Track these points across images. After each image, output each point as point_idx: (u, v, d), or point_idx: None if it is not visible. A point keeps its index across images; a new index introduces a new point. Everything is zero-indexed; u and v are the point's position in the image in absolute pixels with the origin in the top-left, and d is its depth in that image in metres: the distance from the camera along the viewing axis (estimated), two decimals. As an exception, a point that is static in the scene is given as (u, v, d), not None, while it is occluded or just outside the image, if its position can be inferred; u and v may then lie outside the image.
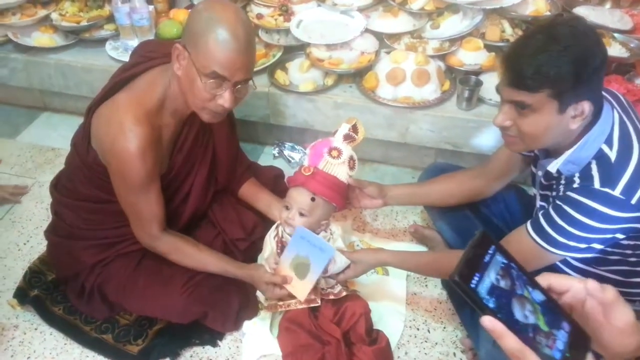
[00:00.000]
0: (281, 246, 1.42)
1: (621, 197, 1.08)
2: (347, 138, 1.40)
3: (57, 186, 1.57)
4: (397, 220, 1.90)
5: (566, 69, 1.04)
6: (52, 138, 2.24)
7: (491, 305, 0.54)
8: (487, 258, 0.58)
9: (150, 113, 1.30)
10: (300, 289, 1.35)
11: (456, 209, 1.59)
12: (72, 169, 1.49)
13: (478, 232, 0.60)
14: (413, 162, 2.09)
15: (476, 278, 0.55)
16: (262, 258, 1.49)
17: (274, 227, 1.48)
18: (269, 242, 1.45)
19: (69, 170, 1.52)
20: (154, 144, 1.31)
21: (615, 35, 2.04)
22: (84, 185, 1.46)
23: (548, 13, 2.09)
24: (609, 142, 1.13)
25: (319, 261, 1.31)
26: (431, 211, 1.72)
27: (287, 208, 1.39)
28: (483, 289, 0.54)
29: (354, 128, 1.41)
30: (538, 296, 0.58)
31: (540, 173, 1.31)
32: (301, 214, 1.36)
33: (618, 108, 1.19)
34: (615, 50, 1.96)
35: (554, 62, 1.04)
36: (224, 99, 1.25)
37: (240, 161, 1.69)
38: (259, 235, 1.60)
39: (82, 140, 1.41)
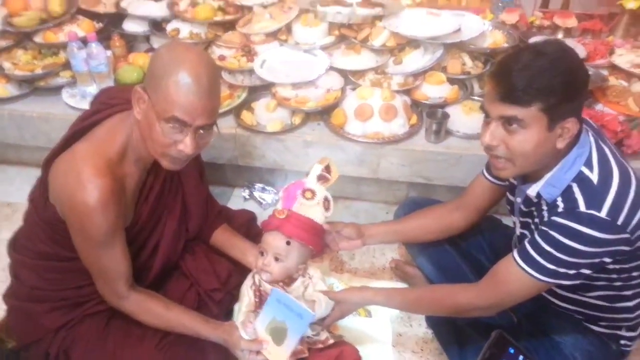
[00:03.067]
0: (259, 295, 1.36)
1: (608, 218, 1.08)
2: (321, 179, 1.38)
3: (15, 245, 1.46)
4: (375, 257, 1.86)
5: (556, 81, 1.06)
6: (9, 192, 2.13)
7: None
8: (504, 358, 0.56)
9: (111, 163, 1.23)
10: (278, 355, 1.27)
11: (436, 244, 1.57)
12: (31, 226, 1.39)
13: (495, 333, 0.58)
14: (386, 197, 2.07)
15: None
16: (238, 309, 1.42)
17: (250, 275, 1.42)
18: (246, 292, 1.38)
19: (28, 227, 1.42)
20: (116, 196, 1.22)
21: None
22: (44, 243, 1.36)
23: (505, 45, 2.16)
24: (588, 164, 1.14)
25: (296, 327, 1.24)
26: (411, 247, 1.70)
27: (262, 254, 1.34)
28: None
29: (327, 168, 1.39)
30: None
31: (519, 200, 1.31)
32: (277, 259, 1.32)
33: (592, 131, 1.21)
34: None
35: (545, 74, 1.06)
36: (185, 144, 1.19)
37: (210, 207, 1.62)
38: (234, 284, 1.52)
39: (40, 195, 1.32)
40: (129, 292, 1.34)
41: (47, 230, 1.33)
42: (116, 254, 1.29)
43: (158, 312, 1.36)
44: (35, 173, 1.39)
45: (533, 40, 2.23)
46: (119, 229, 1.27)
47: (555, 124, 1.09)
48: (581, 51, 2.19)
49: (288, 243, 1.31)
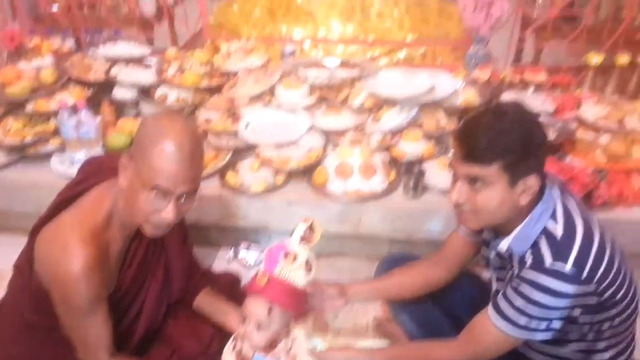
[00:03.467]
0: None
1: (573, 271, 1.13)
2: (304, 239, 1.36)
3: (0, 313, 1.47)
4: (358, 316, 1.88)
5: (517, 141, 1.12)
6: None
7: None
8: None
9: (96, 231, 1.27)
10: None
11: (417, 301, 1.59)
12: (15, 294, 1.42)
13: None
14: (368, 253, 2.11)
15: None
16: None
17: (232, 338, 1.41)
18: (227, 357, 1.38)
19: (12, 295, 1.44)
20: (99, 264, 1.25)
21: (541, 118, 2.21)
22: (28, 312, 1.37)
23: (478, 101, 2.26)
24: (553, 218, 1.20)
25: None
26: (392, 305, 1.71)
27: (243, 320, 1.33)
28: None
29: (311, 227, 1.38)
30: None
31: (492, 254, 1.35)
32: (259, 327, 1.29)
33: (557, 186, 1.27)
34: (543, 131, 2.12)
35: (504, 135, 1.13)
36: (167, 212, 1.23)
37: (194, 270, 1.64)
38: (216, 348, 1.51)
39: (25, 263, 1.35)
40: (110, 358, 1.34)
41: (31, 299, 1.35)
42: (98, 323, 1.30)
43: None
44: (22, 240, 1.42)
45: (504, 96, 2.36)
46: (102, 298, 1.29)
47: (517, 181, 1.15)
48: (550, 105, 2.30)
49: (270, 311, 1.29)
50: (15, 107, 2.28)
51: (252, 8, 3.37)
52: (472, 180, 1.17)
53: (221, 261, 2.09)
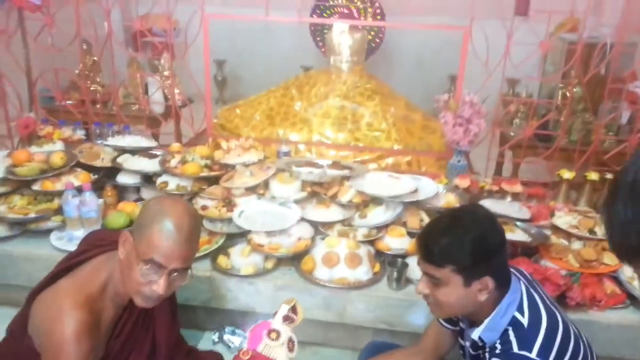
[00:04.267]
0: None
1: (537, 359, 1.20)
2: (287, 319, 1.41)
3: None
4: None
5: (466, 249, 1.24)
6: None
7: None
8: None
9: (90, 298, 1.34)
10: None
11: None
12: (5, 357, 1.44)
13: None
14: (352, 343, 2.13)
15: None
16: None
17: None
18: None
19: (3, 358, 1.46)
20: (91, 330, 1.31)
21: (517, 223, 2.36)
22: None
23: (458, 204, 2.42)
24: (520, 309, 1.30)
25: None
26: None
27: None
28: None
29: (293, 309, 1.43)
30: None
31: (467, 344, 1.43)
32: None
33: (524, 280, 1.38)
34: (519, 235, 2.25)
35: (455, 243, 1.25)
36: (158, 285, 1.30)
37: (179, 348, 1.68)
38: None
39: (19, 326, 1.40)
40: None
41: None
42: None
43: None
44: (9, 312, 1.47)
45: (483, 202, 2.52)
46: None
47: (471, 282, 1.27)
48: (525, 213, 2.46)
49: None
50: (22, 185, 2.41)
51: (253, 113, 3.67)
52: (432, 277, 1.30)
53: (207, 342, 2.10)
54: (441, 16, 4.48)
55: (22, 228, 2.26)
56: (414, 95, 4.18)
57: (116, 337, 1.44)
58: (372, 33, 4.83)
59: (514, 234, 2.22)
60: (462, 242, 1.24)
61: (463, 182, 2.69)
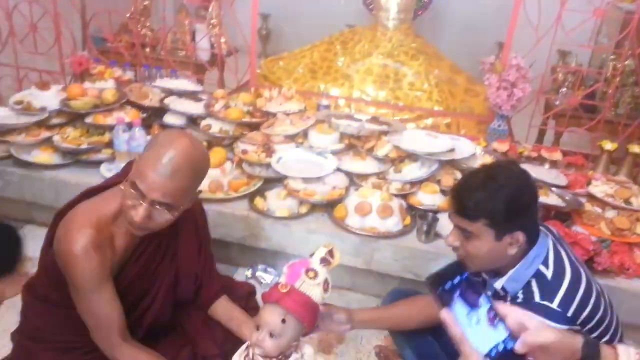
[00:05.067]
0: None
1: (558, 309, 1.25)
2: (324, 261, 1.42)
3: (29, 289, 1.60)
4: (362, 344, 1.97)
5: (499, 205, 1.27)
6: (32, 249, 2.30)
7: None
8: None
9: (102, 218, 1.36)
10: None
11: (420, 335, 1.68)
12: (39, 271, 1.55)
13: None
14: (378, 291, 2.21)
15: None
16: None
17: (243, 347, 1.47)
18: None
19: (37, 273, 1.57)
20: (100, 247, 1.34)
21: (553, 188, 2.36)
22: (48, 289, 1.49)
23: (494, 166, 2.43)
24: (545, 263, 1.34)
25: None
26: (396, 337, 1.80)
27: (257, 328, 1.38)
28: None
29: (331, 253, 1.44)
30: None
31: (489, 293, 1.47)
32: (272, 335, 1.36)
33: (552, 236, 1.41)
34: (553, 200, 2.26)
35: (489, 198, 1.28)
36: (136, 212, 1.29)
37: (213, 280, 1.72)
38: (229, 349, 1.56)
39: (47, 242, 1.47)
40: (122, 343, 1.41)
41: (49, 277, 1.46)
42: (105, 302, 1.38)
43: None
44: None
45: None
46: (105, 278, 1.37)
47: (502, 236, 1.30)
48: (562, 180, 2.45)
49: (284, 321, 1.34)
50: (76, 118, 2.54)
51: (296, 66, 3.69)
52: (463, 231, 1.33)
53: (239, 277, 2.22)
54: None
55: (75, 158, 2.40)
56: (460, 59, 4.09)
57: (132, 263, 1.47)
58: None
59: (548, 198, 2.23)
60: (497, 197, 1.26)
61: (502, 146, 2.68)
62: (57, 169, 2.38)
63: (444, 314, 0.76)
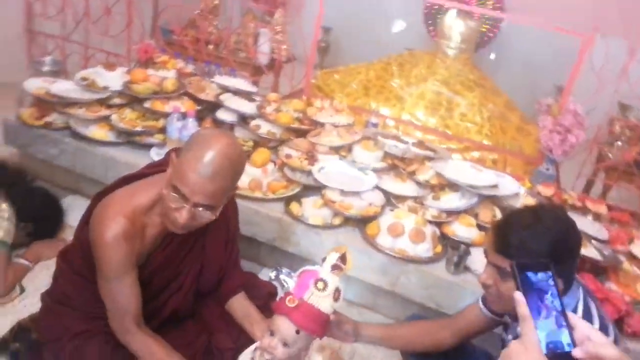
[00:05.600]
0: None
1: None
2: (335, 268, 1.38)
3: (64, 256, 1.66)
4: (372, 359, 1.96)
5: (546, 247, 1.22)
6: (73, 218, 2.40)
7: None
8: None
9: (137, 209, 1.40)
10: None
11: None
12: (74, 242, 1.61)
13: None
14: (398, 314, 2.20)
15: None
16: None
17: (252, 347, 1.48)
18: None
19: (74, 244, 1.62)
20: (131, 238, 1.38)
21: (593, 241, 2.30)
22: (81, 261, 1.54)
23: (535, 209, 2.39)
24: (573, 313, 1.30)
25: None
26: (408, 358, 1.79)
27: (271, 333, 1.37)
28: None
29: (343, 258, 1.40)
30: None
31: (510, 337, 1.44)
32: (284, 344, 1.35)
33: (581, 287, 1.38)
34: (590, 252, 2.20)
35: (536, 239, 1.23)
36: (180, 214, 1.32)
37: (235, 275, 1.74)
38: (244, 342, 1.60)
39: (84, 219, 1.53)
40: (135, 329, 1.44)
41: (82, 250, 1.50)
42: (125, 290, 1.41)
43: (159, 356, 1.45)
44: None
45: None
46: (129, 268, 1.41)
47: None
48: (604, 234, 2.38)
49: (298, 332, 1.34)
50: (135, 101, 2.65)
51: (351, 81, 3.75)
52: (500, 269, 1.29)
53: (263, 277, 2.25)
54: (563, 22, 4.28)
55: (128, 138, 2.51)
56: (516, 96, 4.06)
57: (160, 251, 1.50)
58: (487, 26, 4.71)
59: (586, 250, 2.17)
60: (542, 238, 1.22)
61: (547, 190, 2.63)
62: (110, 146, 2.49)
63: (518, 295, 0.81)
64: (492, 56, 5.04)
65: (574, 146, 2.81)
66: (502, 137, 3.41)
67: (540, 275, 0.83)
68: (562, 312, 0.79)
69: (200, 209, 1.33)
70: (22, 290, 1.99)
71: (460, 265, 2.07)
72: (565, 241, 1.25)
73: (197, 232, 1.54)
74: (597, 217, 2.64)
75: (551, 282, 0.82)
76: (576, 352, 0.76)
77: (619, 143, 3.34)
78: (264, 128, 2.59)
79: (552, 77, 4.63)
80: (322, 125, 2.67)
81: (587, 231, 2.32)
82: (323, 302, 1.35)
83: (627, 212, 2.72)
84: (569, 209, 2.62)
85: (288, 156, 2.47)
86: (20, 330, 1.71)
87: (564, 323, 0.78)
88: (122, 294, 1.42)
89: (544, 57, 4.86)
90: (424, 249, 2.12)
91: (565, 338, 0.77)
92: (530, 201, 2.43)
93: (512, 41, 5.11)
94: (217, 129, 1.35)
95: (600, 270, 2.19)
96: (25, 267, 2.08)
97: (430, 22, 4.76)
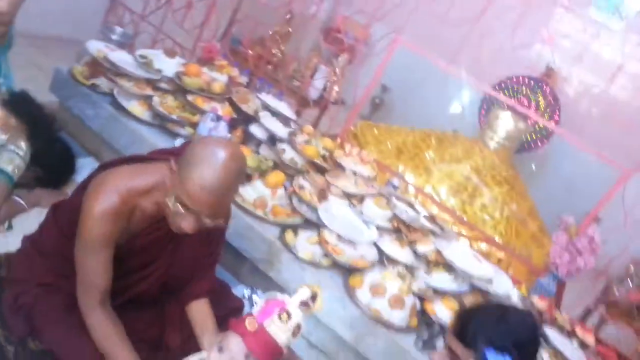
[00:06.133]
0: None
1: None
2: (304, 304, 1.38)
3: (55, 209, 1.67)
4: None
5: (506, 346, 1.22)
6: (82, 177, 2.44)
7: None
8: None
9: (132, 190, 1.41)
10: None
11: None
12: (68, 201, 1.64)
13: None
14: (353, 373, 2.16)
15: None
16: None
17: (196, 357, 1.49)
18: None
19: (67, 203, 1.65)
20: (118, 216, 1.40)
21: (569, 366, 2.23)
22: (66, 219, 1.56)
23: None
24: None
25: None
26: None
27: (219, 350, 1.38)
28: None
29: (314, 297, 1.39)
30: None
31: None
32: None
33: None
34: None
35: (498, 336, 1.24)
36: (188, 223, 1.35)
37: (204, 281, 1.71)
38: (192, 346, 1.60)
39: (82, 185, 1.57)
40: (97, 306, 1.45)
41: (71, 211, 1.52)
42: (98, 265, 1.43)
43: (111, 338, 1.45)
44: None
45: (546, 330, 2.39)
46: (108, 246, 1.42)
47: None
48: (583, 364, 2.31)
49: (247, 356, 1.34)
50: (180, 91, 2.77)
51: (387, 139, 3.81)
52: (453, 354, 1.30)
53: (237, 292, 2.26)
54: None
55: (161, 122, 2.61)
56: (542, 209, 4.03)
57: (142, 237, 1.52)
58: (538, 135, 4.73)
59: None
60: (503, 337, 1.23)
61: (541, 304, 2.58)
62: (142, 124, 2.59)
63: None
64: (533, 167, 5.04)
65: (580, 270, 2.76)
66: (515, 240, 3.38)
67: (504, 357, 0.84)
68: None
69: (207, 220, 1.36)
70: (10, 226, 2.04)
71: (428, 344, 2.04)
72: (522, 347, 1.25)
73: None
74: (584, 346, 2.56)
75: None
76: None
77: (629, 282, 3.26)
78: (288, 154, 2.65)
79: (583, 204, 4.57)
80: (343, 169, 2.71)
81: (568, 355, 2.25)
82: (281, 334, 1.34)
83: (615, 352, 2.63)
84: (551, 327, 2.55)
85: (301, 187, 2.52)
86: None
87: None
88: (93, 269, 1.44)
89: (581, 183, 4.83)
90: (399, 317, 2.10)
91: None
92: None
93: (555, 158, 5.11)
94: (218, 138, 1.38)
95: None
96: (21, 206, 2.14)
97: (483, 112, 4.83)
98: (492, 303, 1.42)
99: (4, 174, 1.95)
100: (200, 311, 1.69)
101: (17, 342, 1.54)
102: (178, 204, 1.33)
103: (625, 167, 2.76)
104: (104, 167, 1.55)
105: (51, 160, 2.22)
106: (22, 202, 2.14)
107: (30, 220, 2.12)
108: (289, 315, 1.35)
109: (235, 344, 1.35)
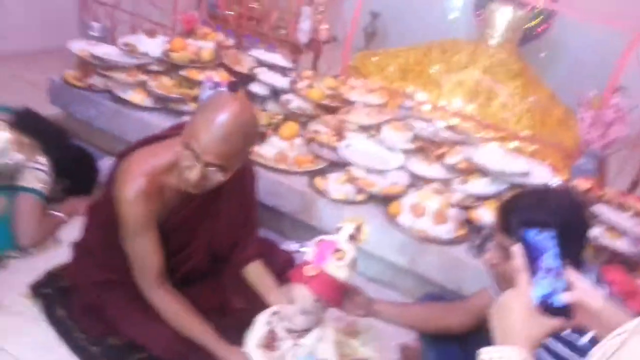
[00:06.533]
0: (271, 337, 1.45)
1: (586, 346, 1.17)
2: (352, 238, 1.42)
3: (91, 210, 1.73)
4: (387, 336, 1.93)
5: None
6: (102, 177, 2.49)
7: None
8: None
9: (156, 169, 1.45)
10: None
11: (447, 342, 1.62)
12: (101, 198, 1.67)
13: None
14: (417, 293, 2.16)
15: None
16: (248, 338, 1.50)
17: (268, 313, 1.51)
18: (260, 327, 1.48)
19: (100, 199, 1.69)
20: (150, 196, 1.44)
21: (627, 235, 2.20)
22: (104, 215, 1.59)
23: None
24: None
25: None
26: (423, 338, 1.75)
27: (290, 302, 1.41)
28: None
29: (358, 229, 1.44)
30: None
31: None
32: (303, 313, 1.40)
33: (593, 273, 1.32)
34: (623, 245, 2.11)
35: (540, 220, 1.19)
36: (191, 172, 1.36)
37: (251, 244, 1.75)
38: (258, 304, 1.62)
39: (108, 176, 1.59)
40: (157, 286, 1.52)
41: (106, 206, 1.55)
42: (147, 247, 1.48)
43: (179, 314, 1.53)
44: None
45: (597, 207, 2.36)
46: (150, 225, 1.47)
47: None
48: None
49: (317, 300, 1.38)
50: (172, 69, 2.71)
51: (388, 64, 3.70)
52: (504, 250, 1.26)
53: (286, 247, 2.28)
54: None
55: (163, 104, 2.58)
56: (562, 94, 3.90)
57: (176, 214, 1.56)
58: (538, 20, 4.53)
59: (618, 242, 2.09)
60: (546, 220, 1.17)
61: (583, 184, 2.52)
62: (146, 111, 2.56)
63: (516, 248, 0.87)
64: (542, 55, 4.86)
65: (615, 141, 2.69)
66: (542, 129, 3.30)
67: (543, 234, 0.86)
68: (561, 271, 0.80)
69: (212, 168, 1.36)
70: (58, 240, 2.08)
71: (482, 248, 2.03)
72: (567, 228, 1.21)
73: (213, 199, 1.57)
74: (636, 215, 2.52)
75: (553, 241, 0.84)
76: (565, 297, 0.79)
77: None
78: (295, 103, 2.60)
79: (601, 78, 4.42)
80: (352, 103, 2.65)
81: (621, 225, 2.23)
82: (341, 272, 1.38)
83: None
84: (602, 205, 2.51)
85: (316, 132, 2.48)
86: (51, 276, 1.80)
87: (561, 281, 0.80)
88: (144, 251, 1.49)
89: (595, 57, 4.65)
90: (445, 230, 2.09)
91: (559, 294, 0.79)
92: (562, 192, 2.35)
93: (563, 40, 4.91)
94: (231, 94, 1.40)
95: (632, 265, 2.10)
96: (60, 219, 2.16)
97: (479, 11, 4.63)
98: (528, 190, 1.36)
99: (34, 192, 1.97)
100: (257, 273, 1.73)
101: (98, 342, 1.61)
102: (186, 152, 1.34)
103: (635, 30, 2.62)
104: (121, 155, 1.56)
105: (73, 168, 2.22)
106: (59, 214, 2.16)
107: (74, 230, 2.15)
108: (343, 254, 1.38)
109: (302, 292, 1.38)
